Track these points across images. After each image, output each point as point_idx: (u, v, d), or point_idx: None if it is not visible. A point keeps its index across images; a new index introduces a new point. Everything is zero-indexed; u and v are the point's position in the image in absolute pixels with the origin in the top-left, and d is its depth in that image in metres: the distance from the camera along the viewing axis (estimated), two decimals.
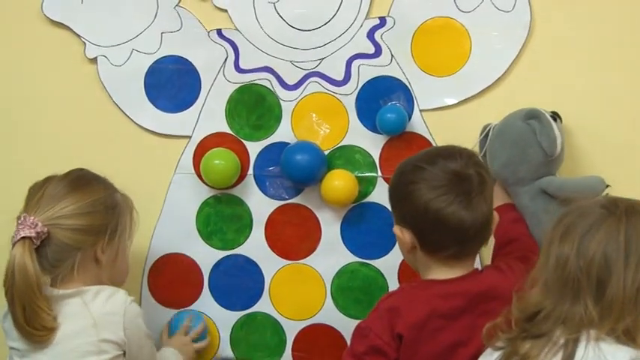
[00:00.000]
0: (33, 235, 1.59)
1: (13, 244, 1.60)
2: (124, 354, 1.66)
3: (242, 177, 1.99)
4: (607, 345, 1.30)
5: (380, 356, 1.60)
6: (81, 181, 1.71)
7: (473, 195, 1.59)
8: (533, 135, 1.76)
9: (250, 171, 1.99)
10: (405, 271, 1.93)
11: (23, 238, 1.59)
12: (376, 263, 1.96)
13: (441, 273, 1.63)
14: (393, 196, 1.69)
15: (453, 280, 1.62)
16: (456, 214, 1.57)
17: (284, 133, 1.98)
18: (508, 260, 1.72)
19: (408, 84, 1.94)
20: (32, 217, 1.61)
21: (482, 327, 1.52)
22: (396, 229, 1.65)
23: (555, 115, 1.81)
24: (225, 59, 1.98)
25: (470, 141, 1.89)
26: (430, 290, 1.62)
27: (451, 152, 1.64)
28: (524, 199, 1.80)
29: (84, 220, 1.66)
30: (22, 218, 1.62)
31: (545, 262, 1.38)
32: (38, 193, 1.65)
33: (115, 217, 1.72)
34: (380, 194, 1.95)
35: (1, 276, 1.64)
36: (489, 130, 1.84)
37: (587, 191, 1.72)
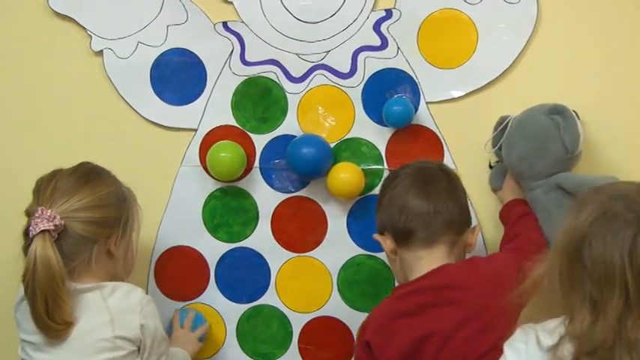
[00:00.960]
0: (52, 227, 1.59)
1: (31, 238, 1.60)
2: (139, 350, 1.66)
3: (248, 170, 1.99)
4: None
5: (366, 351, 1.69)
6: (91, 174, 1.71)
7: (428, 184, 1.71)
8: (556, 130, 1.75)
9: (256, 164, 1.99)
10: None
11: (43, 231, 1.59)
12: (382, 256, 1.96)
13: (418, 270, 1.69)
14: (377, 205, 1.81)
15: (414, 280, 1.69)
16: (415, 199, 1.70)
17: (290, 125, 1.98)
18: (497, 252, 1.79)
19: (414, 76, 1.94)
20: (50, 210, 1.60)
21: (447, 316, 1.61)
22: (377, 236, 1.77)
23: (575, 113, 1.80)
24: (231, 52, 1.97)
25: (476, 132, 1.90)
26: (394, 294, 1.72)
27: (424, 161, 1.83)
28: (538, 193, 1.80)
29: (100, 213, 1.66)
30: (40, 211, 1.60)
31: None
32: (49, 186, 1.64)
33: (126, 209, 1.73)
34: None
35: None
36: (508, 121, 1.83)
37: None
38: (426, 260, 1.69)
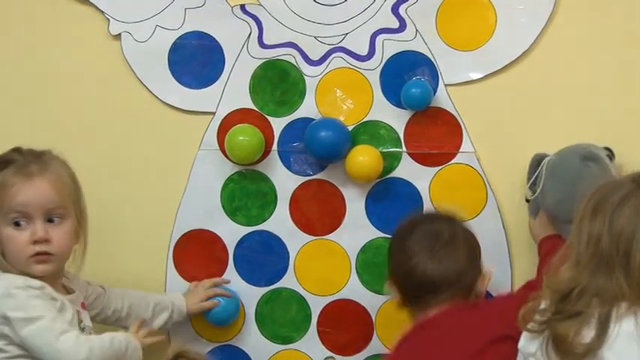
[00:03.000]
0: None
1: None
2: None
3: (266, 153, 1.98)
4: None
5: None
6: None
7: (436, 249, 1.70)
8: (590, 177, 1.72)
9: (274, 147, 1.99)
10: None
11: None
12: None
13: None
14: (389, 254, 1.82)
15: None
16: (420, 265, 1.70)
17: (308, 108, 1.97)
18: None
19: (432, 59, 1.93)
20: None
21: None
22: (387, 286, 1.80)
23: (610, 153, 1.79)
24: (249, 35, 1.97)
25: (495, 114, 1.90)
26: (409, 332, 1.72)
27: (433, 216, 1.85)
28: None
29: None
30: None
31: (577, 239, 1.39)
32: None
33: None
34: (404, 169, 1.95)
35: None
36: (544, 164, 1.81)
37: None
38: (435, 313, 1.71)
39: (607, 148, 1.81)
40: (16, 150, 1.69)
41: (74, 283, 1.76)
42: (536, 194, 1.83)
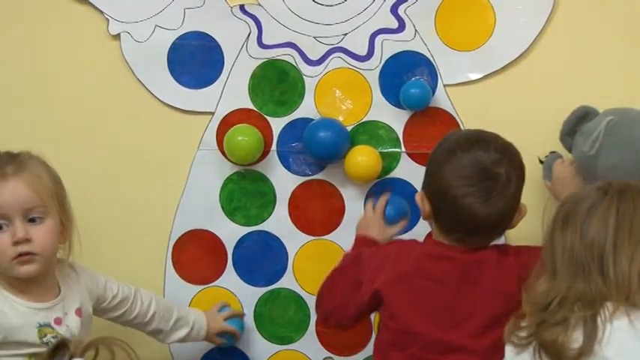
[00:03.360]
0: None
1: None
2: None
3: (265, 153, 1.99)
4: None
5: (356, 289, 1.69)
6: None
7: (494, 194, 1.61)
8: None
9: (274, 147, 1.99)
10: None
11: None
12: (400, 238, 1.95)
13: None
14: (428, 163, 1.72)
15: (446, 245, 1.66)
16: (470, 207, 1.60)
17: (307, 108, 1.98)
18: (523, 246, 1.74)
19: (431, 59, 1.93)
20: None
21: (469, 295, 1.60)
22: (418, 197, 1.71)
23: None
24: (249, 35, 1.97)
25: (494, 115, 1.89)
26: (424, 247, 1.69)
27: (488, 143, 1.64)
28: None
29: None
30: None
31: (551, 252, 1.41)
32: None
33: None
34: (404, 170, 1.95)
35: None
36: (604, 121, 1.70)
37: None
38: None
39: None
40: None
41: (72, 286, 1.73)
42: (569, 142, 1.77)
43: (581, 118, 1.77)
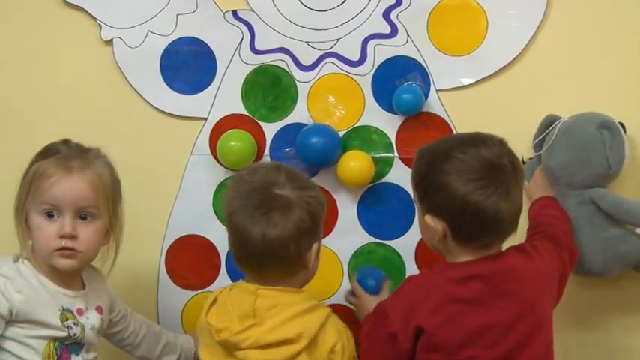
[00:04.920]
0: None
1: None
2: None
3: (258, 158, 1.99)
4: None
5: (392, 343, 1.59)
6: None
7: (511, 185, 1.57)
8: (602, 146, 1.75)
9: (266, 152, 1.99)
10: (423, 252, 1.93)
11: None
12: (393, 244, 1.96)
13: (465, 258, 1.61)
14: (421, 185, 1.64)
15: (468, 262, 1.60)
16: (495, 206, 1.55)
17: (300, 114, 1.98)
18: (534, 240, 1.72)
19: (424, 64, 1.93)
20: None
21: (505, 308, 1.55)
22: (428, 219, 1.60)
23: (623, 128, 1.79)
24: (241, 40, 1.97)
25: (487, 120, 1.88)
26: (446, 273, 1.60)
27: (482, 139, 1.60)
28: (570, 203, 1.80)
29: None
30: None
31: None
32: None
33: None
34: (396, 175, 1.95)
35: None
36: (557, 124, 1.81)
37: (638, 219, 1.76)
38: (477, 255, 1.60)
39: (620, 123, 1.79)
40: (65, 142, 1.71)
41: (97, 287, 1.75)
42: (540, 153, 1.84)
43: (547, 126, 1.84)
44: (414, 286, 1.63)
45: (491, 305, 1.56)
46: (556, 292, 1.65)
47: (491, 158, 1.57)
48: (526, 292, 1.58)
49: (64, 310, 1.64)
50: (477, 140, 1.61)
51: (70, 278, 1.68)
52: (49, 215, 1.63)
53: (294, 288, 1.64)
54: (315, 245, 1.64)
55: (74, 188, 1.63)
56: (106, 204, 1.67)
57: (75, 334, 1.64)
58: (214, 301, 1.67)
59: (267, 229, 1.58)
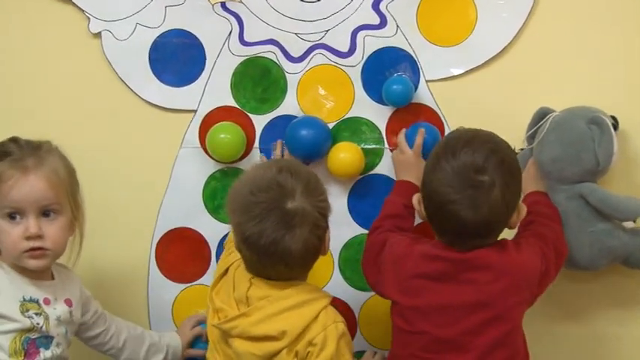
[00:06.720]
0: None
1: None
2: None
3: (248, 151, 1.98)
4: None
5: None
6: None
7: (478, 201, 1.60)
8: (592, 142, 1.76)
9: (256, 144, 1.98)
10: None
11: None
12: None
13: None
14: (426, 162, 1.72)
15: (443, 246, 1.67)
16: (457, 214, 1.61)
17: (290, 105, 1.97)
18: (521, 237, 1.74)
19: (413, 55, 1.93)
20: None
21: (463, 294, 1.62)
22: (415, 199, 1.74)
23: (615, 122, 1.80)
24: (230, 32, 1.96)
25: (477, 110, 1.89)
26: (422, 247, 1.69)
27: (475, 148, 1.63)
28: (560, 197, 1.81)
29: None
30: None
31: None
32: None
33: None
34: (386, 166, 1.95)
35: None
36: (548, 118, 1.82)
37: (626, 214, 1.77)
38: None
39: (613, 117, 1.80)
40: (14, 140, 1.68)
41: (66, 280, 1.74)
42: (531, 146, 1.85)
43: (540, 119, 1.85)
44: (399, 249, 1.73)
45: (450, 288, 1.64)
46: (535, 288, 1.67)
47: (469, 169, 1.61)
48: (490, 284, 1.63)
49: (25, 300, 1.63)
50: (468, 145, 1.63)
51: (39, 272, 1.67)
52: (12, 217, 1.62)
53: (297, 281, 1.66)
54: (327, 233, 1.67)
55: (33, 188, 1.62)
56: (67, 197, 1.67)
57: (38, 324, 1.62)
58: (225, 272, 1.70)
59: (291, 243, 1.58)
